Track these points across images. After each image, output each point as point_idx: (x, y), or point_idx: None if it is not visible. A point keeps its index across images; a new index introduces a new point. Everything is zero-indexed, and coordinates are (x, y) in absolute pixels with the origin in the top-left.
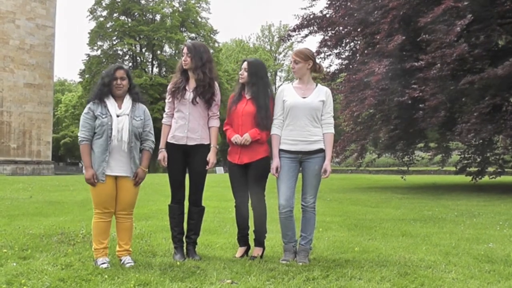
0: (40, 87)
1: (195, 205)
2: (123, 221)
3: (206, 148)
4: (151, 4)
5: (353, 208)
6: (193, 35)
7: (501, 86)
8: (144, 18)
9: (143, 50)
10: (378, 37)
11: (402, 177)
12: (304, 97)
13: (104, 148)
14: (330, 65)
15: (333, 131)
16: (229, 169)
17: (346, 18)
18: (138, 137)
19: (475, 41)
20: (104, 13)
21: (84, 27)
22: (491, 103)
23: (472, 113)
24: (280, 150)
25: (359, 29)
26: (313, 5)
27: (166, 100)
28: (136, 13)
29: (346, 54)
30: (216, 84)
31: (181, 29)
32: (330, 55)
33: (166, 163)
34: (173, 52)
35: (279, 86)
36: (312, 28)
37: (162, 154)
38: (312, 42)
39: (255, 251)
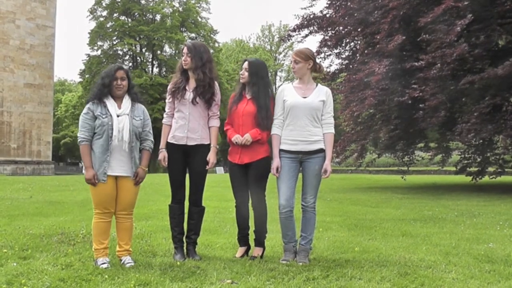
0: (40, 87)
1: (195, 205)
2: (123, 221)
3: (206, 148)
4: (151, 4)
5: (353, 208)
6: (193, 35)
7: (501, 86)
8: (144, 18)
9: (143, 50)
10: (378, 37)
11: (402, 177)
12: (305, 97)
13: (105, 148)
14: (330, 65)
15: (333, 131)
16: (230, 169)
17: (346, 18)
18: (138, 137)
19: (475, 41)
20: (104, 13)
21: (84, 27)
22: (491, 103)
23: (472, 113)
24: (281, 150)
25: (359, 29)
26: (313, 5)
27: (166, 100)
28: (136, 13)
29: (346, 54)
30: (216, 84)
31: (181, 29)
32: (330, 55)
33: (166, 163)
34: (173, 52)
35: (279, 86)
36: (312, 28)
37: (163, 154)
38: (312, 42)
39: (255, 251)
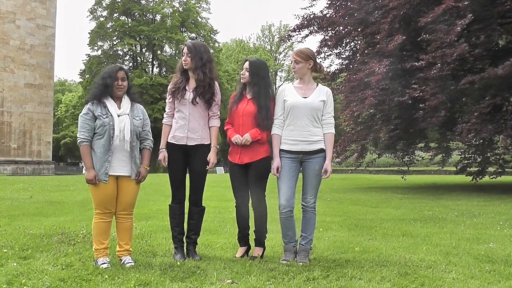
0: (40, 87)
1: (196, 205)
2: (123, 221)
3: (206, 148)
4: (151, 4)
5: (354, 208)
6: (193, 35)
7: (501, 86)
8: (144, 18)
9: (144, 50)
10: (378, 37)
11: (402, 177)
12: (305, 97)
13: (106, 148)
14: (331, 65)
15: (333, 131)
16: (230, 169)
17: (346, 18)
18: (138, 136)
19: (476, 41)
20: (104, 13)
21: (84, 27)
22: (492, 103)
23: (472, 113)
24: (281, 150)
25: (359, 29)
26: (313, 5)
27: (167, 100)
28: (136, 13)
29: (347, 54)
30: (216, 84)
31: (181, 29)
32: (330, 55)
33: (166, 163)
34: (173, 52)
35: (279, 86)
36: (312, 28)
37: (163, 154)
38: (312, 42)
39: (256, 251)
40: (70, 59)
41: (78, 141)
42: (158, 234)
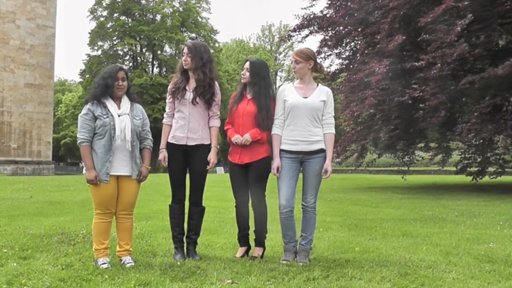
0: (40, 87)
1: (196, 205)
2: (123, 221)
3: (206, 148)
4: (151, 4)
5: (354, 208)
6: (193, 35)
7: (501, 86)
8: (144, 18)
9: (144, 50)
10: (378, 37)
11: (402, 177)
12: (305, 97)
13: (107, 148)
14: (331, 65)
15: (333, 131)
16: (230, 169)
17: (346, 18)
18: (138, 136)
19: (476, 41)
20: (105, 13)
21: (84, 27)
22: (492, 103)
23: (472, 113)
24: (281, 150)
25: (359, 29)
26: (313, 5)
27: (167, 100)
28: (136, 13)
29: (347, 54)
30: (216, 84)
31: (182, 29)
32: (330, 55)
33: (166, 163)
34: (174, 52)
35: (279, 86)
36: (312, 28)
37: (163, 154)
38: (313, 42)
39: (256, 251)
40: (70, 59)
41: (78, 141)
42: (158, 234)
